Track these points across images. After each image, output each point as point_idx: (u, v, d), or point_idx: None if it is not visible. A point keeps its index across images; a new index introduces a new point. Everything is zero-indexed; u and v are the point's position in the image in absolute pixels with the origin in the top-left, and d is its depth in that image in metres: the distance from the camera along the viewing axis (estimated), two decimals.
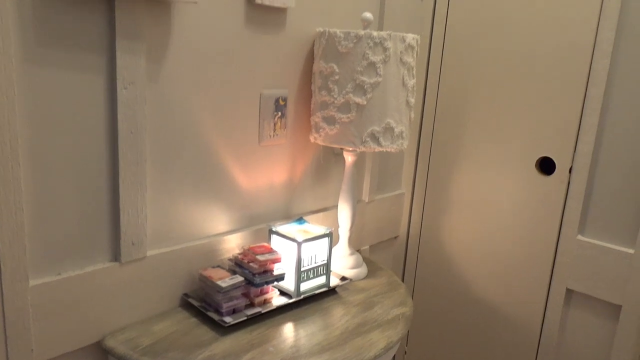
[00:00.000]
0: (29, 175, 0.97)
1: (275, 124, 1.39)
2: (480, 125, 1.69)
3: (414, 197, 1.90)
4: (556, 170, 1.54)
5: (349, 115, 1.31)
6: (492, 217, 1.70)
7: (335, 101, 1.32)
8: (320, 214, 1.58)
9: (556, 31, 1.49)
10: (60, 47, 0.96)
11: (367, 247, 1.80)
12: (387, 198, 1.83)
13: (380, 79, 1.29)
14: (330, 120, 1.35)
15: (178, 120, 1.18)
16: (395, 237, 1.95)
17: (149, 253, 1.17)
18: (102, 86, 1.03)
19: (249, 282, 1.22)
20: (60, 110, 0.98)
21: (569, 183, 1.52)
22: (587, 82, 1.45)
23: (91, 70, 1.01)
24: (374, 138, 1.33)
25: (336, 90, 1.32)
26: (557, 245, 1.57)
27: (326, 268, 1.38)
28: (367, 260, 1.60)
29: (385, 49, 1.28)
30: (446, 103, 1.76)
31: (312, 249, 1.33)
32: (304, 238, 1.30)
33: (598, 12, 1.41)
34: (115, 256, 1.12)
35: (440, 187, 1.82)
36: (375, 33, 1.27)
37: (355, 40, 1.28)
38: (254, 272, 1.23)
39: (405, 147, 1.40)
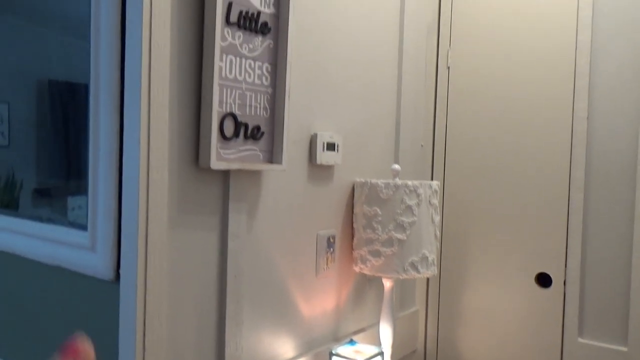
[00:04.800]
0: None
1: (327, 259, 1.64)
2: (483, 246, 2.01)
3: (428, 313, 2.15)
4: (553, 283, 1.86)
5: (392, 249, 1.59)
6: (501, 327, 1.96)
7: (380, 238, 1.61)
8: (361, 334, 1.79)
9: (538, 171, 1.89)
10: (191, 212, 1.20)
11: None
12: (405, 316, 2.07)
13: (415, 219, 1.60)
14: (375, 254, 1.62)
15: (262, 262, 1.41)
16: (414, 352, 2.16)
17: None
18: (215, 240, 1.27)
19: None
20: (186, 265, 1.20)
21: (564, 294, 1.83)
22: (568, 211, 1.82)
23: (208, 228, 1.25)
24: (414, 266, 1.60)
25: (380, 229, 1.61)
26: (562, 349, 1.84)
27: None
28: None
29: (418, 195, 1.60)
30: (452, 227, 2.08)
31: None
32: (364, 358, 1.51)
33: (569, 157, 1.82)
34: None
35: (451, 303, 2.08)
36: (410, 182, 1.59)
37: (394, 189, 1.59)
38: None
39: (436, 272, 1.68)
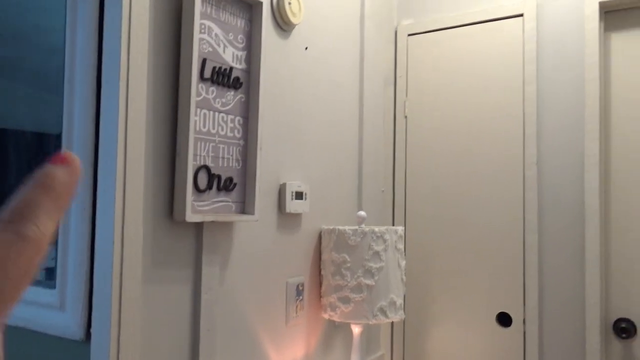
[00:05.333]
0: None
1: (296, 307, 1.64)
2: (445, 289, 2.06)
3: (394, 356, 2.16)
4: (513, 322, 1.93)
5: (362, 295, 1.61)
6: None
7: (349, 284, 1.63)
8: None
9: (494, 214, 1.98)
10: (165, 266, 1.19)
11: None
12: None
13: (383, 264, 1.63)
14: (345, 300, 1.63)
15: (234, 314, 1.39)
16: None
17: None
18: (188, 294, 1.25)
19: None
20: (158, 320, 1.18)
21: (524, 332, 1.90)
22: (524, 252, 1.91)
23: (182, 281, 1.24)
24: (383, 312, 1.62)
25: (349, 275, 1.63)
26: None
27: None
28: None
29: (385, 240, 1.64)
30: (414, 271, 2.13)
31: None
32: None
33: (522, 201, 1.93)
34: None
35: (416, 345, 2.11)
36: (376, 228, 1.64)
37: (362, 235, 1.63)
38: None
39: (404, 316, 1.71)
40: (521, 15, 1.96)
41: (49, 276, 1.25)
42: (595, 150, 1.80)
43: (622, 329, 1.77)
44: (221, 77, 1.29)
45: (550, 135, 1.89)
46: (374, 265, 1.62)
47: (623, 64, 1.84)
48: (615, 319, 1.80)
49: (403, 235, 1.74)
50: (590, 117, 1.82)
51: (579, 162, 1.83)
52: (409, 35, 2.19)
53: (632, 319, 1.77)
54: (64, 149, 1.17)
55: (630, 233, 1.79)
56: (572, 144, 1.85)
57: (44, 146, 1.39)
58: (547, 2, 1.92)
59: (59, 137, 1.24)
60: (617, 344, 1.79)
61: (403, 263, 1.72)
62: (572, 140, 1.85)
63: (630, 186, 1.80)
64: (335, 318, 1.66)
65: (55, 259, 1.16)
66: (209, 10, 1.26)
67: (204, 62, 1.24)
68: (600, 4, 1.82)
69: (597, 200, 1.78)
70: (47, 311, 1.16)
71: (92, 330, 1.10)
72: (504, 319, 1.95)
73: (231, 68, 1.32)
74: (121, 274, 1.08)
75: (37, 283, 1.22)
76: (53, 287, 1.16)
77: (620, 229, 1.81)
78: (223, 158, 1.31)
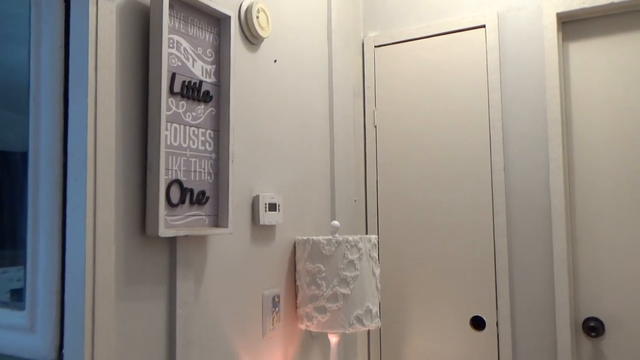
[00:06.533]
0: None
1: (273, 319, 1.64)
2: (419, 295, 2.08)
3: None
4: (486, 325, 1.96)
5: (337, 304, 1.62)
6: None
7: (325, 294, 1.63)
8: None
9: (464, 220, 2.02)
10: (139, 282, 1.17)
11: None
12: None
13: (358, 272, 1.65)
14: (321, 310, 1.64)
15: (211, 329, 1.38)
16: None
17: None
18: (163, 309, 1.24)
19: None
20: (133, 338, 1.16)
21: (498, 335, 1.93)
22: (495, 256, 1.95)
23: (156, 297, 1.22)
24: (359, 320, 1.63)
25: (324, 285, 1.63)
26: None
27: None
28: None
29: (359, 249, 1.66)
30: (389, 278, 2.15)
31: None
32: None
33: (491, 206, 1.97)
34: None
35: (392, 351, 2.12)
36: (350, 237, 1.65)
37: (336, 245, 1.64)
38: None
39: (380, 324, 1.72)
40: (483, 26, 2.02)
41: (18, 297, 1.22)
42: (559, 154, 1.86)
43: (591, 327, 1.82)
44: (191, 91, 1.29)
45: (516, 140, 1.95)
46: (349, 274, 1.63)
47: (581, 72, 1.91)
48: (584, 318, 1.85)
49: (376, 243, 1.75)
50: (552, 123, 1.88)
51: (544, 166, 1.89)
52: (376, 46, 2.23)
53: (601, 317, 1.83)
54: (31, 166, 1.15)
55: (595, 233, 1.85)
56: (537, 148, 1.91)
57: (8, 164, 1.36)
58: (508, 14, 1.99)
59: (24, 155, 1.21)
60: (587, 343, 1.84)
61: (377, 271, 1.74)
62: (536, 144, 1.91)
63: (593, 187, 1.87)
64: (312, 328, 1.66)
65: (25, 279, 1.13)
66: (177, 24, 1.26)
67: (173, 77, 1.24)
68: (558, 15, 1.90)
69: (563, 202, 1.84)
70: (16, 334, 1.13)
71: (64, 351, 1.07)
72: (477, 323, 1.99)
73: (201, 82, 1.33)
74: (93, 292, 1.06)
75: (5, 305, 1.19)
76: (22, 308, 1.13)
77: (585, 229, 1.87)
78: (195, 172, 1.31)
